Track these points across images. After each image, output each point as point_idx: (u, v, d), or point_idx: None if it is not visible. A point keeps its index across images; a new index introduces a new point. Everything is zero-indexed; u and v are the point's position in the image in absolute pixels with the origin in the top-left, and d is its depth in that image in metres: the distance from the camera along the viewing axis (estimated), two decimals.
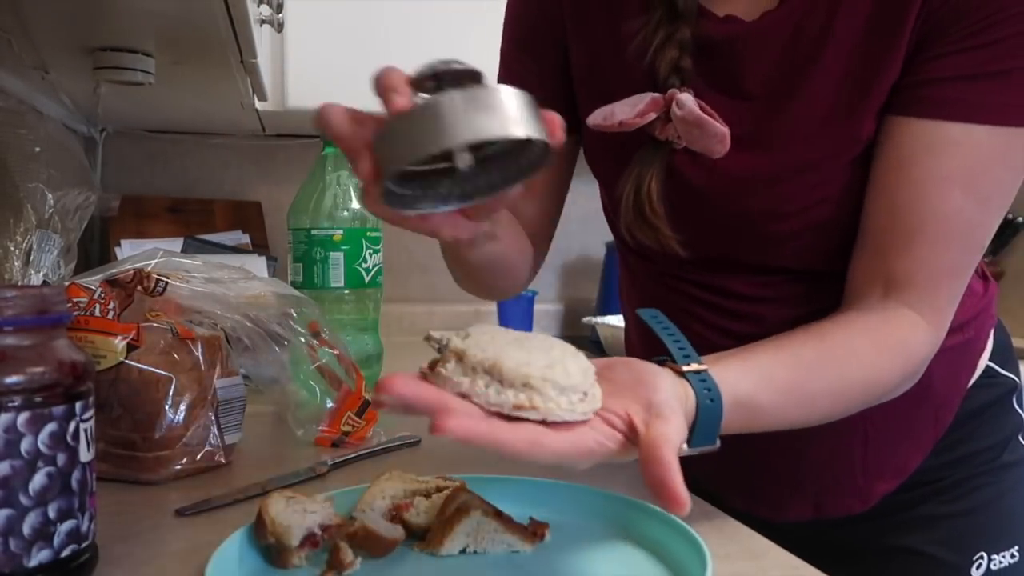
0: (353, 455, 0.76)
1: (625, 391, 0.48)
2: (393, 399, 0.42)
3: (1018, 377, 0.84)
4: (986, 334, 0.80)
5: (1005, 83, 0.59)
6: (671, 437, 0.46)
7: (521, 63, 0.80)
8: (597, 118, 0.67)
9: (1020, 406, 0.84)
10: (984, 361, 0.79)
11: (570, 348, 0.48)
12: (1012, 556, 0.78)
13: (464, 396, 0.44)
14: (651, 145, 0.70)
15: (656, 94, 0.67)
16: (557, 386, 0.44)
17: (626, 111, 0.66)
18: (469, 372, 0.44)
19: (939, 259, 0.63)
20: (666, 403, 0.48)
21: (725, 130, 0.64)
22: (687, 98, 0.65)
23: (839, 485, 0.76)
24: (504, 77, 0.81)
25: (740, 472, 0.78)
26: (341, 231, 1.06)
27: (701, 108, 0.65)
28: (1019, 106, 0.59)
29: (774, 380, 0.58)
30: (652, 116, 0.67)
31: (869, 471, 0.76)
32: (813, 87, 0.64)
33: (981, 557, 0.77)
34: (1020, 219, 1.94)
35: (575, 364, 0.46)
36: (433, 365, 0.46)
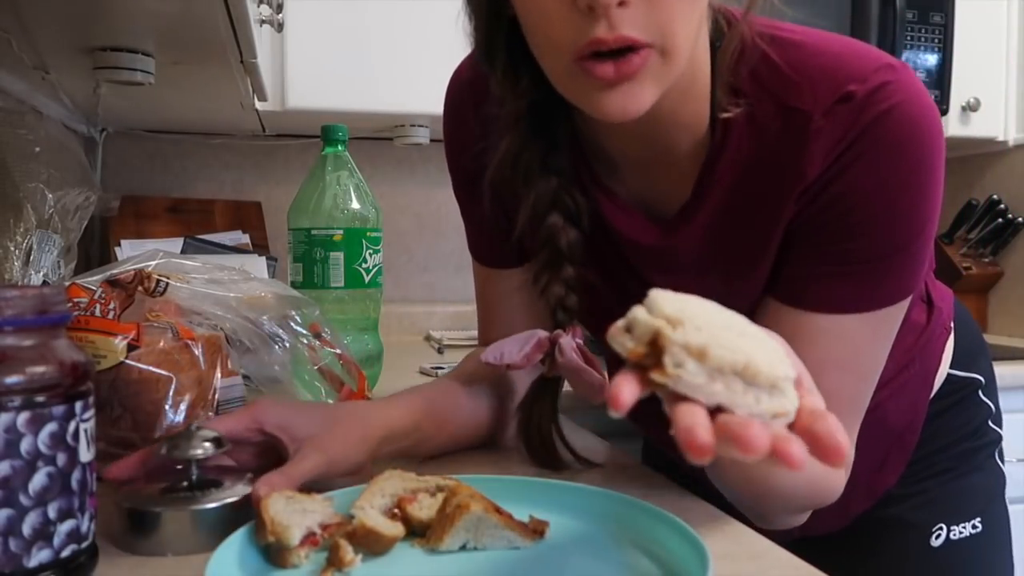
0: None
1: None
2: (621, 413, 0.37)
3: (984, 372, 0.88)
4: (938, 357, 0.83)
5: (862, 279, 0.63)
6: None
7: (471, 205, 0.82)
8: (488, 357, 0.70)
9: (987, 396, 0.88)
10: (941, 377, 0.83)
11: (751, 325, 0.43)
12: (974, 527, 0.82)
13: (720, 408, 0.38)
14: (539, 383, 0.74)
15: (542, 334, 0.70)
16: (790, 382, 0.40)
17: (513, 353, 0.69)
18: (716, 375, 0.38)
19: None
20: None
21: (603, 380, 0.68)
22: (567, 343, 0.69)
23: (817, 513, 0.79)
24: (463, 214, 0.85)
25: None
26: (341, 231, 1.06)
27: (582, 352, 0.69)
28: (881, 296, 0.64)
29: None
30: (538, 358, 0.70)
31: (843, 498, 0.79)
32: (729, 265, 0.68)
33: (940, 528, 0.81)
34: (1020, 219, 1.94)
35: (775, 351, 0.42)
36: (640, 361, 0.38)
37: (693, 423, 0.36)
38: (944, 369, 0.83)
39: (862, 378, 0.67)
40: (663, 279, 0.68)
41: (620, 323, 0.40)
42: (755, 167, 0.64)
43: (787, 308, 0.65)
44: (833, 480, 0.66)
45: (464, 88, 0.79)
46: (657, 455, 0.98)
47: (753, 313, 0.67)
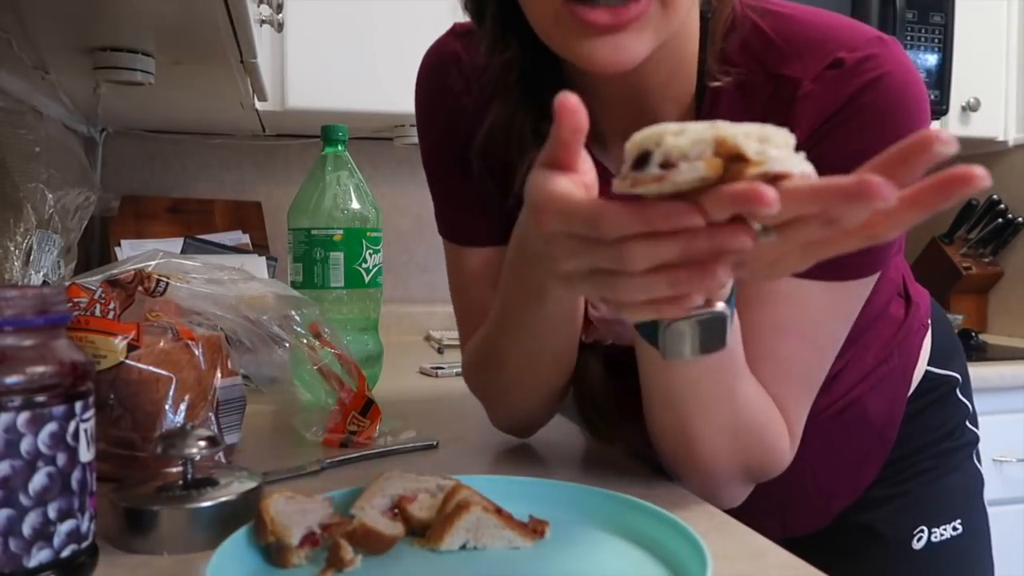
0: (356, 455, 0.76)
1: None
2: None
3: (960, 371, 0.87)
4: (916, 352, 0.83)
5: None
6: None
7: (446, 177, 0.79)
8: None
9: (964, 395, 0.87)
10: (919, 373, 0.83)
11: None
12: (954, 529, 0.82)
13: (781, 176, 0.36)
14: (581, 356, 0.71)
15: None
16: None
17: None
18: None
19: (781, 391, 0.65)
20: None
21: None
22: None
23: (799, 510, 0.79)
24: (434, 189, 0.81)
25: None
26: (341, 231, 1.06)
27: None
28: (847, 267, 0.59)
29: (742, 357, 0.60)
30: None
31: (824, 495, 0.80)
32: None
33: (921, 531, 0.81)
34: (1020, 219, 1.94)
35: None
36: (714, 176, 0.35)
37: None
38: (922, 366, 0.82)
39: (819, 350, 0.66)
40: None
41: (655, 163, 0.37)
42: None
43: None
44: (772, 436, 0.65)
45: (441, 55, 0.77)
46: None
47: None
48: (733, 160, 0.35)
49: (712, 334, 0.48)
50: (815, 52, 0.61)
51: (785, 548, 0.56)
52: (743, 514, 0.81)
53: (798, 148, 0.55)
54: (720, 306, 0.47)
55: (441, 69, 0.77)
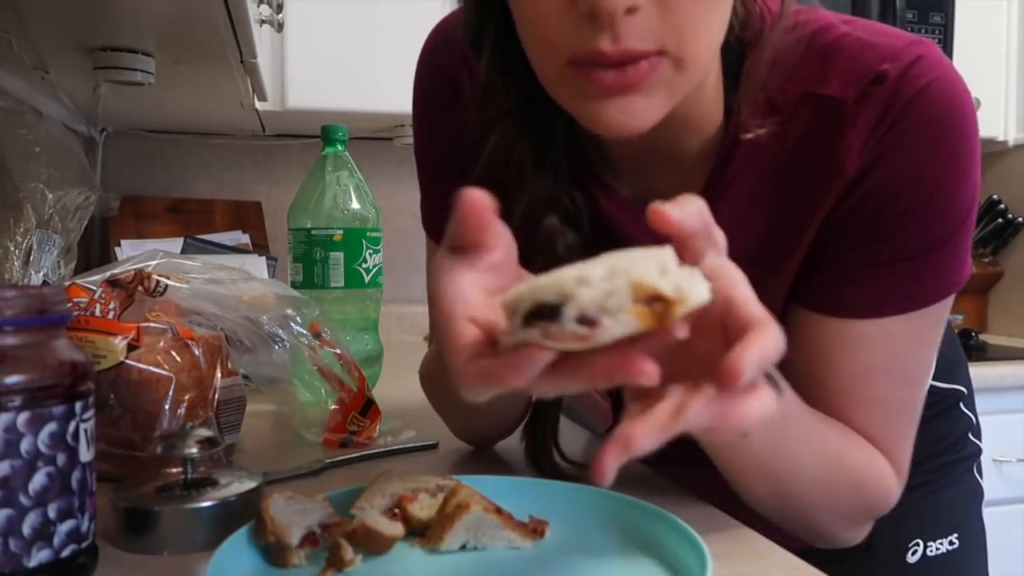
0: (357, 455, 0.76)
1: None
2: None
3: (964, 383, 0.85)
4: None
5: (903, 278, 0.59)
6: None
7: (437, 170, 0.75)
8: None
9: (968, 407, 0.85)
10: None
11: None
12: (951, 543, 0.79)
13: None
14: (539, 402, 0.68)
15: None
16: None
17: None
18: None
19: (882, 432, 0.62)
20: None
21: (606, 407, 0.65)
22: None
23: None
24: (422, 181, 0.77)
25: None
26: (341, 231, 1.06)
27: None
28: (923, 294, 0.59)
29: (798, 401, 0.56)
30: None
31: None
32: None
33: (917, 544, 0.78)
34: (1020, 219, 1.94)
35: None
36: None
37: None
38: None
39: (910, 383, 0.63)
40: None
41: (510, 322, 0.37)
42: (781, 162, 0.60)
43: (823, 318, 0.61)
44: (872, 479, 0.62)
45: (445, 35, 0.72)
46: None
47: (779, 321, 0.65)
48: (652, 301, 0.35)
49: None
50: (855, 66, 0.57)
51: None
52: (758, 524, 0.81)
53: (853, 176, 0.56)
54: None
55: (443, 51, 0.72)
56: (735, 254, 0.64)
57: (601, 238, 0.67)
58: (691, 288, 0.36)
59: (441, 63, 0.72)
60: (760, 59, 0.58)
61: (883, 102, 0.56)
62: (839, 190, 0.58)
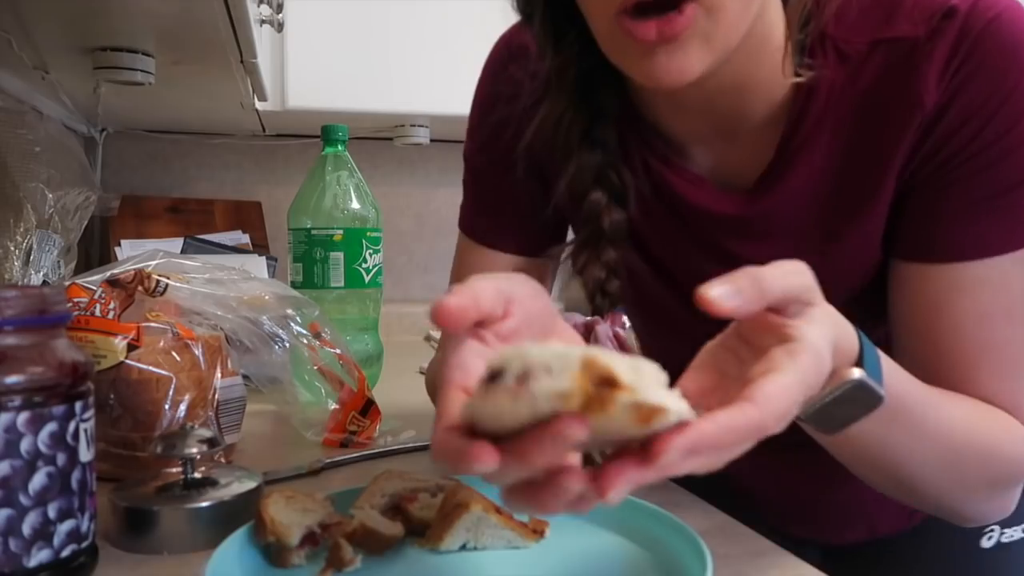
0: (357, 455, 0.76)
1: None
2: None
3: None
4: None
5: (1009, 211, 0.57)
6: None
7: (486, 171, 0.77)
8: None
9: None
10: None
11: None
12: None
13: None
14: None
15: (579, 320, 0.66)
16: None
17: None
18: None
19: (1005, 384, 0.60)
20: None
21: None
22: (604, 332, 0.66)
23: (887, 510, 0.76)
24: (468, 182, 0.80)
25: (804, 505, 0.80)
26: (341, 231, 1.06)
27: (619, 342, 0.64)
28: None
29: (917, 385, 0.54)
30: None
31: (868, 513, 0.78)
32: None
33: (992, 530, 0.77)
34: None
35: None
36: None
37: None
38: None
39: None
40: (750, 249, 0.64)
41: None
42: (856, 114, 0.60)
43: (927, 266, 0.59)
44: (1003, 444, 0.58)
45: (509, 46, 0.75)
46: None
47: (853, 284, 0.62)
48: (602, 384, 0.30)
49: (855, 403, 0.46)
50: (921, 6, 0.57)
51: (863, 549, 0.54)
52: (828, 516, 0.80)
53: (932, 112, 0.55)
54: (855, 373, 0.45)
55: (507, 61, 0.74)
56: (812, 215, 0.63)
57: (660, 213, 0.67)
58: (658, 393, 0.31)
59: (505, 71, 0.74)
60: (798, 5, 0.58)
61: (955, 34, 0.56)
62: (920, 126, 0.58)
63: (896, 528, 0.79)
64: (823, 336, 0.41)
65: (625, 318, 0.67)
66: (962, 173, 0.57)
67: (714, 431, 0.34)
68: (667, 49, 0.52)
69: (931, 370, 0.58)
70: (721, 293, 0.38)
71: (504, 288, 0.43)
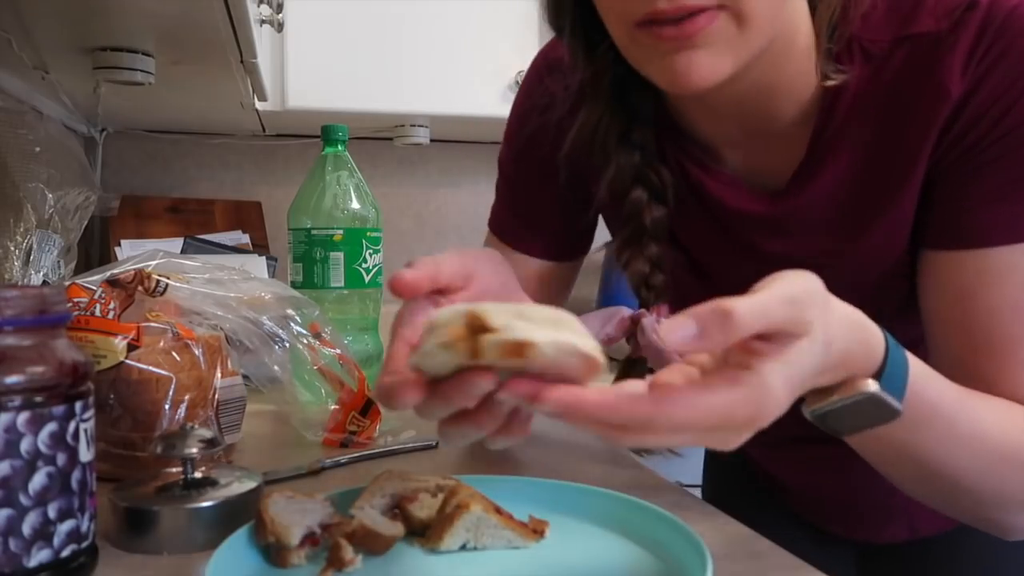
0: (357, 455, 0.76)
1: None
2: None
3: None
4: None
5: None
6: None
7: (522, 176, 0.80)
8: None
9: None
10: None
11: None
12: None
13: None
14: (626, 363, 0.70)
15: (626, 312, 0.68)
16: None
17: (595, 330, 0.66)
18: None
19: None
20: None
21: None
22: (649, 324, 0.66)
23: (928, 508, 0.76)
24: (502, 186, 0.83)
25: (844, 503, 0.80)
26: (341, 231, 1.06)
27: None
28: None
29: (952, 391, 0.53)
30: (620, 338, 0.68)
31: (908, 513, 0.78)
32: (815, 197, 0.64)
33: None
34: None
35: None
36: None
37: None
38: None
39: None
40: (782, 245, 0.65)
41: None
42: (883, 109, 0.60)
43: (958, 254, 0.59)
44: None
45: (548, 59, 0.77)
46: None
47: (879, 276, 0.63)
48: (477, 331, 0.36)
49: (866, 414, 0.46)
50: (944, 1, 0.57)
51: (903, 548, 0.53)
52: (868, 514, 0.80)
53: (959, 100, 0.57)
54: (870, 386, 0.45)
55: (544, 74, 0.76)
56: (843, 210, 0.63)
57: (694, 212, 0.69)
58: (529, 331, 0.35)
59: (541, 84, 0.76)
60: (827, 13, 0.59)
61: (978, 23, 0.56)
62: (946, 115, 0.58)
63: (938, 527, 0.78)
64: (785, 378, 0.39)
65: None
66: (989, 156, 0.57)
67: (595, 400, 0.36)
68: (688, 53, 0.53)
69: (965, 365, 0.58)
70: (682, 336, 0.37)
71: (468, 263, 0.48)
